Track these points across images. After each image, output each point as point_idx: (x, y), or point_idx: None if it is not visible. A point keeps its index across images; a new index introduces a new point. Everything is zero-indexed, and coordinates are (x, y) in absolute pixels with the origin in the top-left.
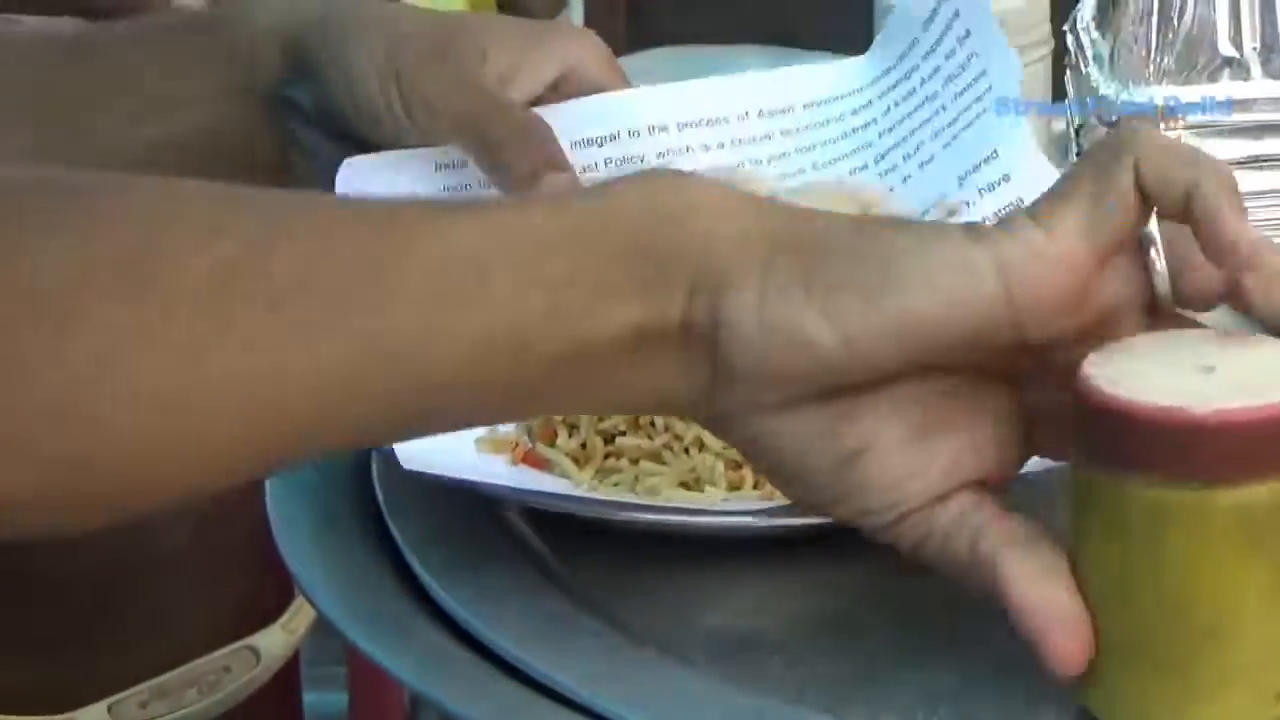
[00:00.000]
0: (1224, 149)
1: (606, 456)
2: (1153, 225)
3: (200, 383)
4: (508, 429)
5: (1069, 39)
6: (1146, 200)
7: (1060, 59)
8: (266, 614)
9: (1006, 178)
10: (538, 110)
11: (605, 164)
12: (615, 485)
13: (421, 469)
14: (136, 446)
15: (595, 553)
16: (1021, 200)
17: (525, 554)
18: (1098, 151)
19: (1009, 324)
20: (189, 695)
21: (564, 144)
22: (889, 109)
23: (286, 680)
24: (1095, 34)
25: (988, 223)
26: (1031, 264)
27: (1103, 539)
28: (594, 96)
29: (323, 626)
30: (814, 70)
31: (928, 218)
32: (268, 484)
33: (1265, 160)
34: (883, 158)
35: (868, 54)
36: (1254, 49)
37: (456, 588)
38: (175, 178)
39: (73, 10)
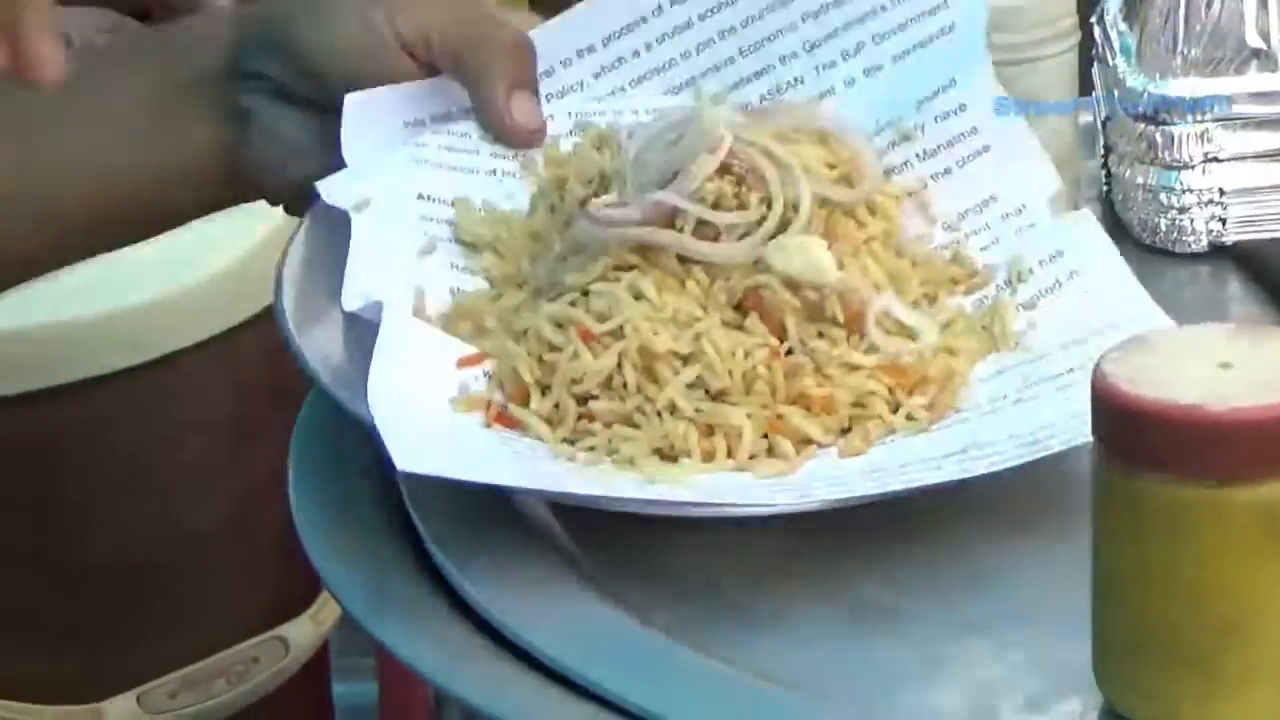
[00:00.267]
0: (1252, 142)
1: (579, 419)
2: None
3: None
4: (479, 387)
5: (1096, 31)
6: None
7: (1087, 51)
8: (295, 605)
9: (963, 107)
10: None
11: (548, 100)
12: (590, 450)
13: (421, 470)
14: None
15: (618, 539)
16: (975, 129)
17: (549, 545)
18: None
19: None
20: (218, 685)
21: None
22: None
23: (315, 671)
24: (1122, 26)
25: (940, 150)
26: None
27: (1123, 536)
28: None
29: (351, 618)
30: None
31: (879, 138)
32: (290, 478)
33: None
34: (815, 47)
35: None
36: None
37: (480, 580)
38: None
39: (116, 5)
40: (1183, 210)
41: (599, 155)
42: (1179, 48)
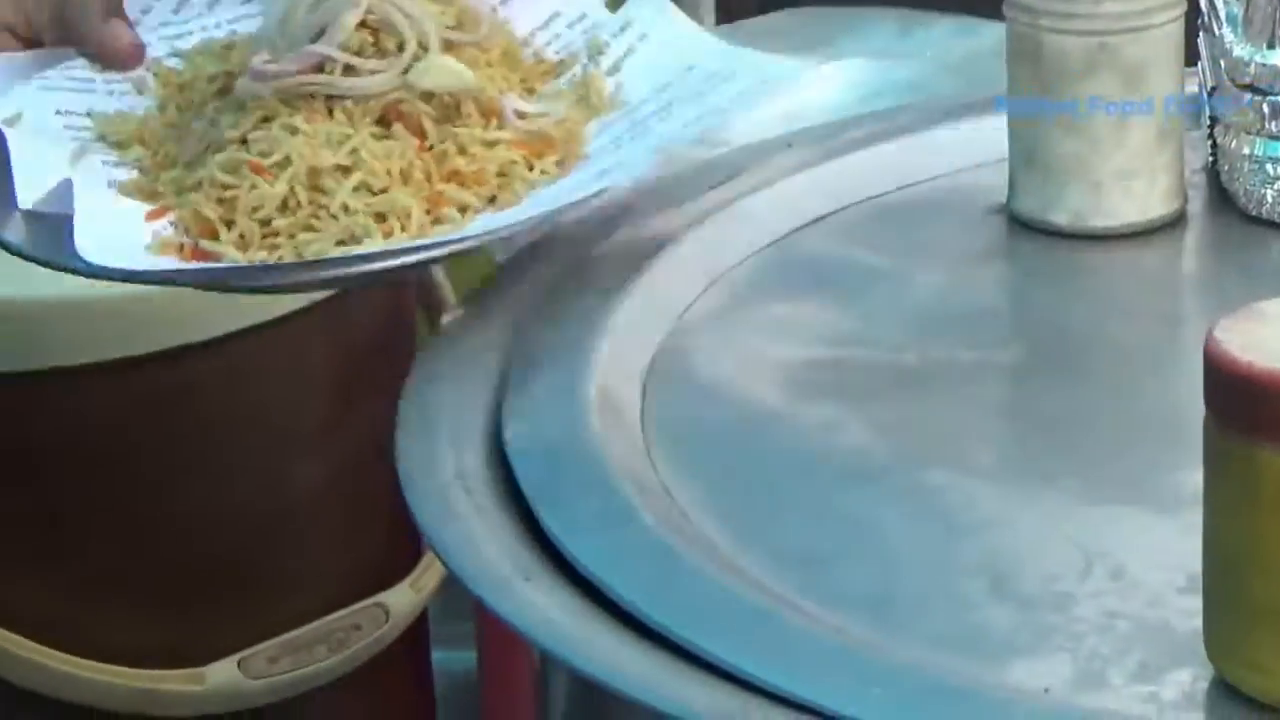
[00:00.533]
0: None
1: (264, 238)
2: None
3: None
4: (166, 231)
5: (1203, 0)
6: None
7: (1193, 20)
8: (395, 572)
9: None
10: None
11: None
12: (280, 259)
13: (104, 262)
14: None
15: (736, 508)
16: (645, 36)
17: (658, 510)
18: None
19: None
20: (319, 651)
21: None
22: None
23: (415, 638)
24: None
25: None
26: None
27: (1236, 507)
28: None
29: (451, 584)
30: None
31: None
32: (397, 441)
33: None
34: None
35: None
36: None
37: (588, 545)
38: None
39: None
40: None
41: (214, 59)
42: None
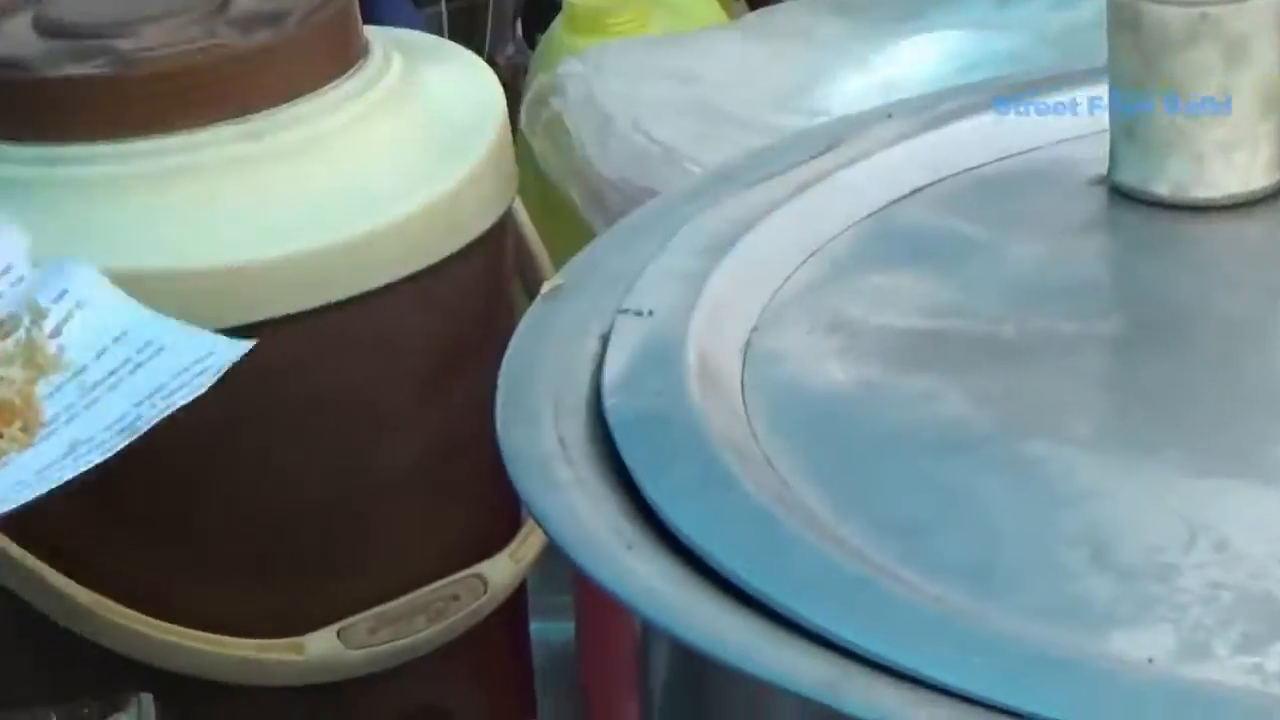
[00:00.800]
0: None
1: None
2: None
3: None
4: None
5: None
6: None
7: None
8: (494, 542)
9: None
10: None
11: None
12: None
13: None
14: None
15: (840, 479)
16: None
17: (759, 478)
18: None
19: None
20: (418, 622)
21: None
22: None
23: (514, 609)
24: None
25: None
26: None
27: None
28: None
29: (550, 555)
30: None
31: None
32: (497, 410)
33: None
34: None
35: None
36: None
37: (687, 512)
38: None
39: None
40: None
41: None
42: None
